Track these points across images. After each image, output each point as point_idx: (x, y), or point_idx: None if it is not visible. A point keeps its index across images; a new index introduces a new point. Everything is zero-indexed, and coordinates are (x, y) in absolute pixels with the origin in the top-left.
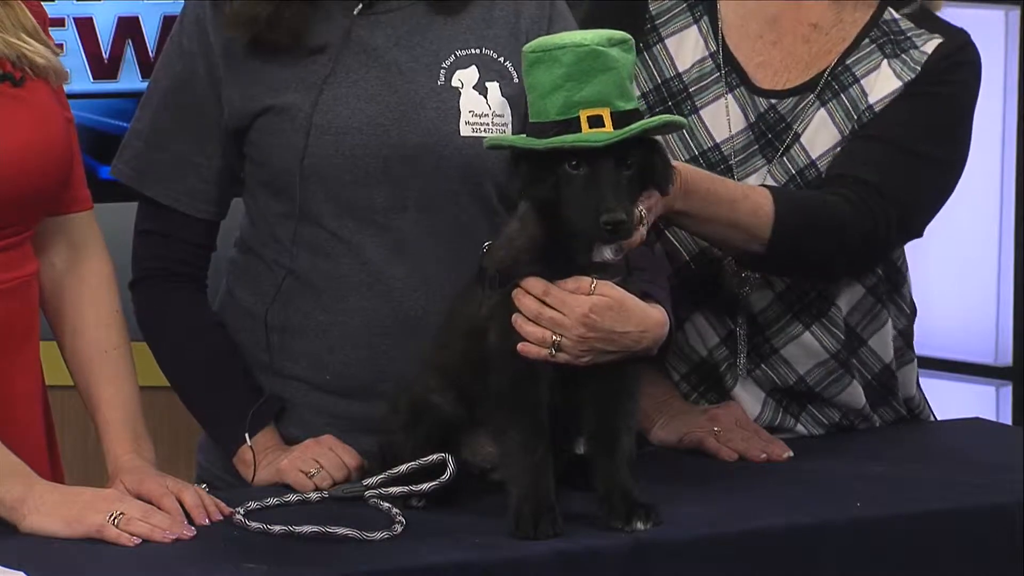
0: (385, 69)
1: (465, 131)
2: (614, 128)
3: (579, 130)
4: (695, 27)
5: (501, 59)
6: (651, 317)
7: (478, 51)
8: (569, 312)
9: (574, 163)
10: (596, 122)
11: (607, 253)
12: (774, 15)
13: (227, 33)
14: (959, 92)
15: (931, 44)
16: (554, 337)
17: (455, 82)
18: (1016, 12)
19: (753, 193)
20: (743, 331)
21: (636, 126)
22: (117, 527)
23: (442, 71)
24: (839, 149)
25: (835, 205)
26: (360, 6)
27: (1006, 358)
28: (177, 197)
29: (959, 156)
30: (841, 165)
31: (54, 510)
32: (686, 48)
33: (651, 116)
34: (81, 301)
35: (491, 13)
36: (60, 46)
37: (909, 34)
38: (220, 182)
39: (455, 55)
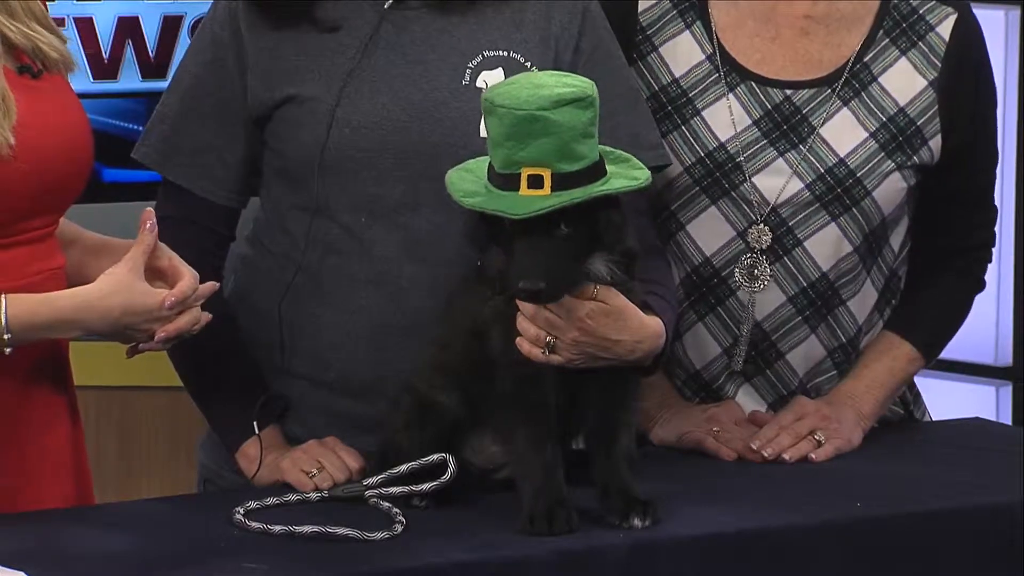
0: (411, 66)
1: (485, 132)
2: (553, 190)
3: (518, 187)
4: (688, 32)
5: (528, 64)
6: (648, 328)
7: (506, 53)
8: (565, 315)
9: (510, 222)
10: (536, 182)
11: (599, 266)
12: (767, 12)
13: None
14: (986, 76)
15: (946, 25)
16: (548, 338)
17: (480, 83)
18: (1016, 12)
19: (900, 359)
20: (746, 333)
21: (562, 199)
22: None
23: (468, 71)
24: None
25: (954, 293)
26: (391, 0)
27: (1006, 358)
28: (201, 182)
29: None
30: (947, 236)
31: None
32: (681, 53)
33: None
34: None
35: (522, 16)
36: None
37: (921, 11)
38: (243, 170)
39: (483, 55)
